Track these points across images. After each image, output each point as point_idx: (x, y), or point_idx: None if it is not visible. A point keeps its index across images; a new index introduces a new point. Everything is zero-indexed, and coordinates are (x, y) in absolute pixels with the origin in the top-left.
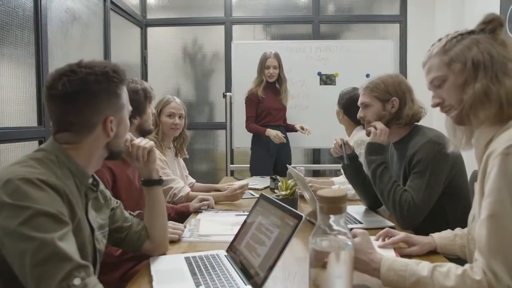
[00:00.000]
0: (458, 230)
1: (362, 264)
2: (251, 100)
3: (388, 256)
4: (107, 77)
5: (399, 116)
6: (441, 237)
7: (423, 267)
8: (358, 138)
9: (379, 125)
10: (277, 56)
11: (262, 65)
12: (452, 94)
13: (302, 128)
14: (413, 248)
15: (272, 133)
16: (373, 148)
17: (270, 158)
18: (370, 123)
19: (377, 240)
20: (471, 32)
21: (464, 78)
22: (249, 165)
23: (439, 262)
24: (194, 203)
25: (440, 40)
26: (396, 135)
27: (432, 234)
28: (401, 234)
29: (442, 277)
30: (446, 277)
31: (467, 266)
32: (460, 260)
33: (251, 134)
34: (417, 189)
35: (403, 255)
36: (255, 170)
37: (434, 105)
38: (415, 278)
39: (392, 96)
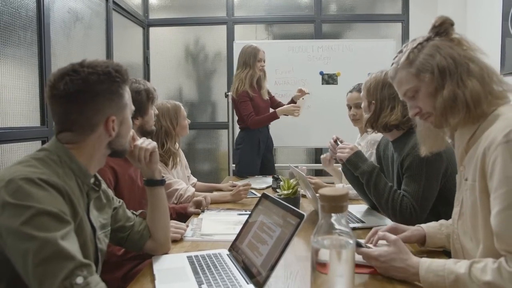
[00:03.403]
0: (442, 221)
1: (400, 271)
2: (245, 97)
3: (424, 259)
4: (109, 77)
5: (374, 122)
6: (428, 226)
7: (460, 265)
8: (372, 138)
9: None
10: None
11: (255, 58)
12: (427, 102)
13: (301, 91)
14: (403, 234)
15: (289, 108)
16: (353, 162)
17: (258, 158)
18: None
19: (367, 242)
20: (429, 39)
21: (434, 86)
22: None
23: (437, 257)
24: (190, 207)
25: (401, 51)
26: (393, 134)
27: (419, 225)
28: (388, 225)
29: (479, 272)
30: (483, 272)
31: (502, 259)
32: (447, 252)
33: (244, 134)
34: (415, 194)
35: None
36: (244, 169)
37: (413, 115)
38: (454, 276)
39: (372, 98)
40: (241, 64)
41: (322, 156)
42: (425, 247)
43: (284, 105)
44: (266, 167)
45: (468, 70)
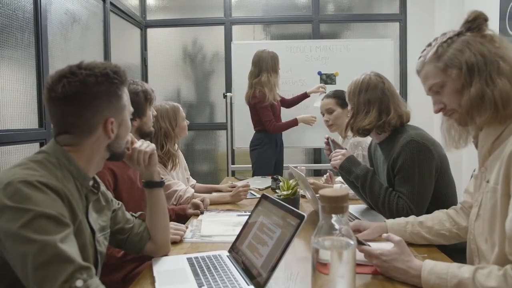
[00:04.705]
0: (411, 218)
1: (401, 272)
2: (266, 103)
3: (428, 261)
4: (107, 79)
5: (353, 125)
6: (393, 223)
7: (464, 270)
8: (355, 140)
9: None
10: None
11: (278, 64)
12: (453, 99)
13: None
14: (365, 232)
15: (308, 118)
16: (346, 168)
17: (274, 159)
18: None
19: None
20: (459, 33)
21: (461, 83)
22: (250, 165)
23: (438, 258)
24: (189, 209)
25: (430, 45)
26: (379, 137)
27: (385, 220)
28: (352, 222)
29: (483, 278)
30: (488, 278)
31: (508, 266)
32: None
33: (253, 134)
34: (409, 194)
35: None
36: (261, 170)
37: (437, 111)
38: (457, 280)
39: (351, 103)
40: (269, 69)
41: (322, 179)
42: None
43: (287, 100)
44: (278, 167)
45: (499, 68)
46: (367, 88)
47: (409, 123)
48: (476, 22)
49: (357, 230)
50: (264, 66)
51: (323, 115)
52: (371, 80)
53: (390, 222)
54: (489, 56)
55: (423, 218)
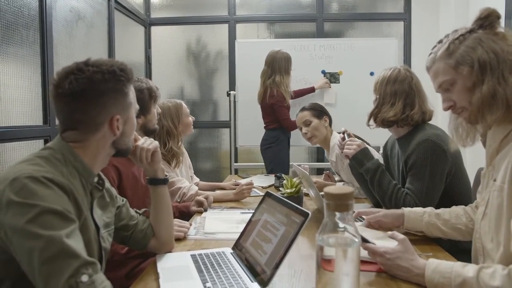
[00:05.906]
0: (429, 208)
1: (404, 270)
2: (284, 102)
3: (432, 259)
4: (114, 76)
5: (376, 115)
6: (410, 211)
7: (468, 269)
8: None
9: (348, 142)
10: None
11: (290, 65)
12: (463, 97)
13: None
14: (381, 213)
15: None
16: (358, 159)
17: (287, 156)
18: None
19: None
20: (471, 31)
21: (472, 81)
22: (253, 164)
23: (442, 257)
24: (192, 206)
25: (441, 41)
26: (398, 132)
27: (403, 208)
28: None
29: (488, 277)
30: (492, 277)
31: None
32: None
33: (262, 133)
34: (418, 192)
35: (374, 222)
36: (279, 167)
37: (446, 109)
38: (461, 279)
39: (377, 93)
40: (282, 70)
41: (323, 177)
42: (404, 229)
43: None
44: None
45: (511, 66)
46: (395, 80)
47: (430, 122)
48: (488, 20)
49: (363, 213)
50: (277, 67)
51: (301, 129)
52: (400, 73)
53: (407, 209)
54: (502, 54)
55: (441, 210)
